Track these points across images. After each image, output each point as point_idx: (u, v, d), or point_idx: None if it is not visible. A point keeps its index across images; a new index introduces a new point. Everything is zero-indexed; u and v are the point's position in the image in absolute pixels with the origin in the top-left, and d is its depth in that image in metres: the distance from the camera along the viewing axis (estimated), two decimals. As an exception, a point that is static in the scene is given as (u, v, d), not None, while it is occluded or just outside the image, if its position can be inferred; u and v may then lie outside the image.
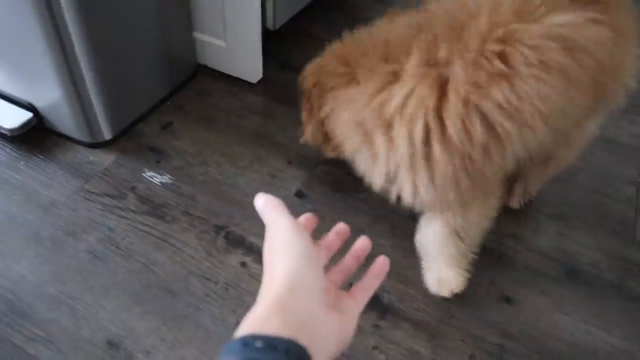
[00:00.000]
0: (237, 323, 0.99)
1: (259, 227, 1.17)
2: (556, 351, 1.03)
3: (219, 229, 1.18)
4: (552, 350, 1.03)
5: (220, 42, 1.50)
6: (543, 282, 1.13)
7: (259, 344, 0.36)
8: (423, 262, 1.09)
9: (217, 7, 1.41)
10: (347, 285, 0.51)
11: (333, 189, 1.28)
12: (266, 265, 0.45)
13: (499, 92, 0.74)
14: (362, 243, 0.53)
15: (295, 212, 1.23)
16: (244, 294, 1.07)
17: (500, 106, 0.75)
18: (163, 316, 1.04)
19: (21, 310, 1.03)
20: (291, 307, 0.40)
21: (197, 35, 1.52)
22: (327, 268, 0.51)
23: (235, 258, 1.13)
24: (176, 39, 1.45)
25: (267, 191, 1.28)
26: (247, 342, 0.36)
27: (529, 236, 1.21)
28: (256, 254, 1.14)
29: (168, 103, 1.48)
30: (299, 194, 1.26)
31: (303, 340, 0.38)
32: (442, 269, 1.05)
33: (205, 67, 1.58)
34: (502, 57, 0.75)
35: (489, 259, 1.16)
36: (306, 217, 0.54)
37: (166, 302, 1.06)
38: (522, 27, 0.76)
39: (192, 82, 1.55)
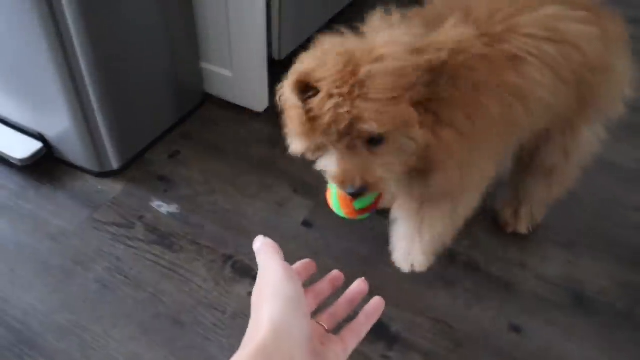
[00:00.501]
0: (246, 354, 0.99)
1: (267, 256, 1.18)
2: (566, 381, 1.02)
3: (226, 258, 1.19)
4: (561, 380, 1.02)
5: (227, 72, 1.53)
6: (552, 310, 1.13)
7: None
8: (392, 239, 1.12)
9: (224, 38, 1.44)
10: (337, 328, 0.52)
11: (339, 217, 1.28)
12: (253, 308, 0.45)
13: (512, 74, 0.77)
14: (359, 287, 0.54)
15: (302, 242, 1.25)
16: (252, 324, 1.07)
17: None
18: (171, 347, 1.04)
19: (30, 341, 1.04)
20: (274, 354, 0.40)
21: (204, 65, 1.54)
22: (320, 310, 0.52)
23: (242, 287, 1.14)
24: (184, 68, 1.48)
25: (274, 220, 1.31)
26: None
27: (537, 264, 1.21)
28: (264, 283, 1.14)
29: (175, 132, 1.50)
30: (306, 223, 1.27)
31: None
32: (408, 249, 1.08)
33: (212, 96, 1.60)
34: (504, 41, 0.77)
35: (496, 287, 1.16)
36: (304, 263, 0.55)
37: (174, 333, 1.06)
38: (517, 14, 0.78)
39: (199, 111, 1.57)
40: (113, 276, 1.15)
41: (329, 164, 0.81)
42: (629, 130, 1.58)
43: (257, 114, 1.56)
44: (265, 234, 1.23)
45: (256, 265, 1.14)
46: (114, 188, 1.34)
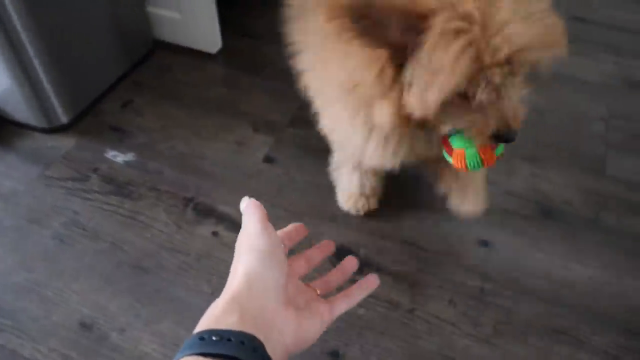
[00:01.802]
0: (212, 292, 0.98)
1: (229, 195, 1.16)
2: (537, 288, 1.03)
3: (187, 201, 1.15)
4: (532, 288, 1.02)
5: (175, 14, 1.46)
6: (519, 223, 1.13)
7: (215, 337, 0.38)
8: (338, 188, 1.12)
9: (167, -23, 1.36)
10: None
11: (301, 150, 1.25)
12: (233, 261, 0.47)
13: None
14: (351, 262, 0.57)
15: (265, 178, 1.22)
16: (218, 263, 1.05)
17: None
18: (136, 293, 1.01)
19: (-12, 302, 1.00)
20: (247, 303, 0.42)
21: (150, 9, 1.47)
22: (314, 279, 0.55)
23: (206, 228, 1.11)
24: (128, 14, 1.40)
25: (235, 159, 1.28)
26: (204, 336, 0.38)
27: (503, 180, 1.20)
28: (228, 221, 1.11)
29: (127, 81, 1.43)
30: (267, 159, 1.23)
31: (259, 333, 0.40)
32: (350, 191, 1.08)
33: (163, 41, 1.53)
34: None
35: (463, 205, 1.15)
36: (295, 226, 0.57)
37: (138, 279, 1.03)
38: None
39: (150, 58, 1.50)
40: (71, 230, 1.11)
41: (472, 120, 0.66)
42: (591, 45, 1.57)
43: (211, 56, 1.50)
44: (226, 173, 1.21)
45: (218, 204, 1.13)
46: (65, 143, 1.29)
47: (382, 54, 0.61)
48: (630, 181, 1.22)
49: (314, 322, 0.47)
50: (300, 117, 1.32)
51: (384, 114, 0.67)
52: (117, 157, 1.25)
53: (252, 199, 0.51)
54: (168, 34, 1.51)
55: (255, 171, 1.21)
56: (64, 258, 1.07)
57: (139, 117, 1.34)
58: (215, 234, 1.10)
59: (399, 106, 0.64)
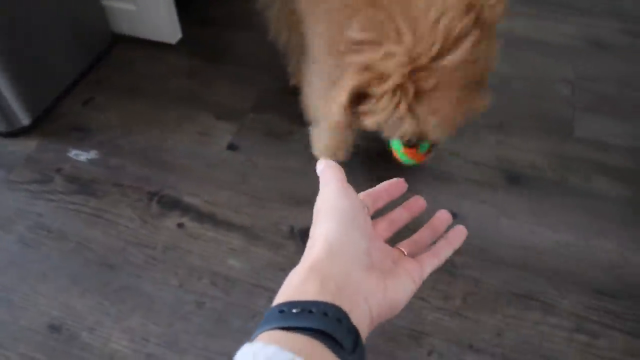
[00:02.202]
0: (180, 284, 0.98)
1: (194, 186, 1.15)
2: (505, 256, 1.03)
3: (152, 195, 1.14)
4: (500, 256, 1.02)
5: (130, 6, 1.43)
6: (485, 192, 1.12)
7: (295, 309, 0.35)
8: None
9: (119, -32, 1.34)
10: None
11: (265, 135, 1.24)
12: (312, 226, 0.43)
13: None
14: (443, 216, 0.52)
15: (229, 166, 1.22)
16: (185, 254, 1.04)
17: None
18: (104, 291, 1.01)
19: (-45, 311, 0.99)
20: (329, 270, 0.39)
21: (105, 2, 1.44)
22: (402, 239, 0.50)
23: (171, 220, 1.10)
24: (84, 9, 1.37)
25: (198, 149, 1.26)
26: (283, 309, 0.35)
27: (468, 150, 1.19)
28: (193, 212, 1.11)
29: (88, 79, 1.41)
30: (231, 147, 1.22)
31: (342, 302, 0.37)
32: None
33: (122, 35, 1.51)
34: None
35: (431, 179, 1.14)
36: (390, 183, 0.53)
37: (106, 277, 1.03)
38: None
39: (110, 53, 1.48)
40: (36, 233, 1.10)
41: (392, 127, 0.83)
42: (554, 7, 1.55)
43: (171, 46, 1.48)
44: (190, 164, 1.20)
45: (183, 196, 1.11)
46: (27, 145, 1.27)
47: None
48: (598, 141, 1.21)
49: (404, 284, 0.43)
50: (262, 102, 1.31)
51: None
52: (80, 155, 1.23)
53: (329, 160, 0.47)
54: (126, 27, 1.48)
55: (219, 160, 1.20)
56: (30, 261, 1.06)
57: (101, 114, 1.32)
58: (180, 225, 1.09)
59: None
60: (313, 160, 1.16)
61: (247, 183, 1.15)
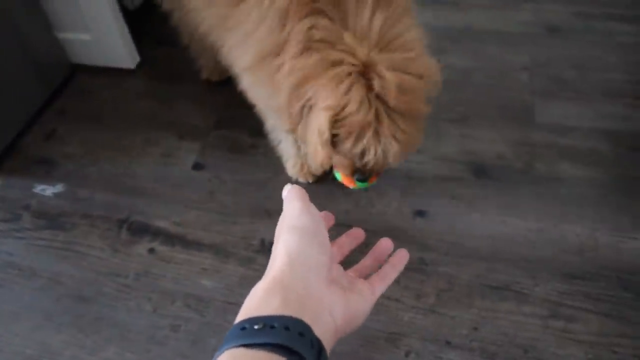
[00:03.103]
0: (154, 310, 0.97)
1: (162, 209, 1.15)
2: (476, 249, 1.03)
3: (121, 222, 1.14)
4: (472, 250, 1.03)
5: (85, 36, 1.42)
6: (453, 187, 1.13)
7: (257, 326, 0.35)
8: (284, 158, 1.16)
9: (70, 2, 1.32)
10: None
11: (229, 151, 1.24)
12: (273, 246, 0.44)
13: None
14: (385, 245, 0.54)
15: (196, 185, 1.22)
16: (157, 279, 1.04)
17: None
18: (78, 324, 1.00)
19: None
20: (291, 283, 0.39)
21: (60, 35, 1.43)
22: (347, 267, 0.51)
23: (142, 246, 1.09)
24: (38, 42, 1.36)
25: (163, 171, 1.25)
26: (245, 326, 0.35)
27: (432, 146, 1.20)
28: (163, 235, 1.10)
29: (49, 111, 1.40)
30: (196, 166, 1.22)
31: (305, 315, 0.37)
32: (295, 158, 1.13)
33: (81, 65, 1.50)
34: None
35: (396, 178, 1.14)
36: (324, 213, 0.54)
37: (79, 310, 1.02)
38: None
39: (70, 84, 1.47)
40: (6, 272, 1.09)
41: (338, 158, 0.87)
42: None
43: (131, 71, 1.47)
44: (157, 187, 1.20)
45: (152, 220, 1.11)
46: (-8, 184, 1.25)
47: None
48: (559, 126, 1.22)
49: (363, 298, 0.44)
50: (224, 119, 1.31)
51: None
52: (46, 190, 1.22)
53: (295, 185, 0.48)
54: (84, 56, 1.48)
55: (185, 180, 1.19)
56: (2, 302, 1.04)
57: (64, 146, 1.31)
58: (151, 250, 1.08)
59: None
60: (279, 170, 1.16)
61: (214, 200, 1.14)
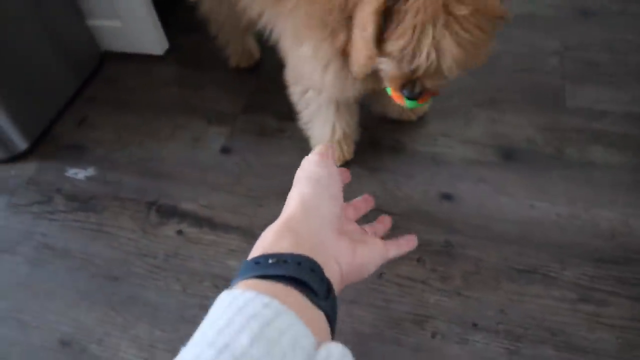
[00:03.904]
0: (183, 290, 0.99)
1: (190, 192, 1.16)
2: (504, 233, 1.02)
3: (150, 205, 1.16)
4: (499, 233, 1.02)
5: (116, 23, 1.45)
6: (481, 170, 1.12)
7: (271, 260, 0.37)
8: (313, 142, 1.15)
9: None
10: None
11: (257, 135, 1.25)
12: (290, 193, 0.46)
13: None
14: (386, 219, 0.58)
15: (223, 168, 1.23)
16: (186, 260, 1.05)
17: None
18: (110, 303, 1.02)
19: (-32, 335, 1.01)
20: (302, 227, 0.41)
21: (90, 22, 1.46)
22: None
23: (170, 228, 1.11)
24: (70, 31, 1.39)
25: (191, 155, 1.27)
26: (259, 261, 0.37)
27: (460, 130, 1.19)
28: (190, 218, 1.12)
29: (81, 98, 1.43)
30: (224, 150, 1.23)
31: (315, 257, 0.38)
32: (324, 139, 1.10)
33: (111, 52, 1.53)
34: None
35: (424, 161, 1.14)
36: (342, 169, 0.55)
37: (111, 289, 1.04)
38: None
39: (101, 71, 1.50)
40: (41, 253, 1.12)
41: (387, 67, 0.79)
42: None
43: (160, 57, 1.49)
44: (185, 170, 1.22)
45: (180, 203, 1.13)
46: (27, 169, 1.29)
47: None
48: (590, 110, 1.20)
49: (371, 251, 0.46)
50: (252, 103, 1.32)
51: (340, 39, 0.80)
52: (78, 174, 1.25)
53: (324, 145, 0.51)
54: (114, 44, 1.50)
55: (213, 164, 1.21)
56: (38, 281, 1.08)
57: (96, 131, 1.34)
58: (179, 232, 1.10)
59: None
60: (305, 153, 1.16)
61: (241, 184, 1.15)
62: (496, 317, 0.91)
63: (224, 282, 1.01)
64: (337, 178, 0.47)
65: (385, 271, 0.98)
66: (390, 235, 0.55)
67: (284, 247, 0.38)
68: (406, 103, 0.83)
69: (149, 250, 1.08)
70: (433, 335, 0.90)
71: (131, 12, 1.39)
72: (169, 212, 1.14)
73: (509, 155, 1.14)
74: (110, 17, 1.44)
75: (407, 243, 0.54)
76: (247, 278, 0.36)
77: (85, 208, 1.18)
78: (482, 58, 0.76)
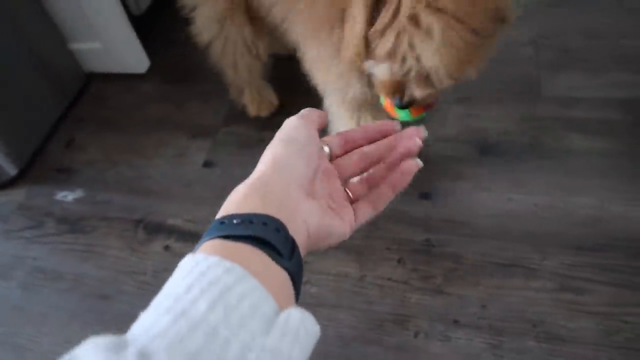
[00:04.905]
0: (172, 304, 1.00)
1: (176, 207, 1.18)
2: (484, 228, 1.03)
3: (137, 222, 1.18)
4: (479, 228, 1.03)
5: (97, 45, 1.47)
6: (458, 167, 1.13)
7: (236, 220, 0.36)
8: None
9: (78, 12, 1.37)
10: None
11: (238, 147, 1.27)
12: (264, 153, 0.44)
13: None
14: (410, 165, 0.49)
15: (207, 182, 1.24)
16: (173, 275, 1.07)
17: None
18: (102, 321, 1.04)
19: (-33, 362, 1.04)
20: (271, 185, 0.40)
21: (73, 46, 1.48)
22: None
23: (157, 244, 1.13)
24: (53, 56, 1.42)
25: (176, 170, 1.28)
26: (224, 221, 0.36)
27: (436, 127, 1.20)
28: (177, 233, 1.14)
29: (68, 120, 1.46)
30: (207, 164, 1.25)
31: (281, 217, 0.38)
32: None
33: (95, 73, 1.55)
34: None
35: (401, 162, 1.15)
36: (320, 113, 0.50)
37: (102, 308, 1.06)
38: None
39: (85, 92, 1.52)
40: (34, 277, 1.14)
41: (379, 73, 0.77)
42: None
43: (142, 75, 1.51)
44: (170, 186, 1.23)
45: (166, 219, 1.14)
46: (17, 194, 1.32)
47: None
48: (566, 98, 1.20)
49: (338, 223, 0.44)
50: (232, 116, 1.34)
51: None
52: (67, 196, 1.27)
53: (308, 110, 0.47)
54: (97, 65, 1.53)
55: (197, 178, 1.23)
56: (31, 304, 1.10)
57: (83, 153, 1.36)
58: (167, 247, 1.12)
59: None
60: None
61: (225, 196, 1.16)
62: (478, 312, 0.92)
63: (210, 295, 1.03)
64: (315, 141, 0.45)
65: (367, 273, 1.00)
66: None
67: (251, 207, 0.38)
68: (399, 115, 0.82)
69: (137, 267, 1.10)
70: (415, 335, 0.91)
71: (111, 34, 1.42)
72: (156, 229, 1.16)
73: (485, 149, 1.14)
74: (91, 40, 1.46)
75: (394, 184, 0.48)
76: (212, 238, 0.36)
77: (75, 230, 1.20)
78: (476, 64, 0.72)
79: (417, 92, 0.76)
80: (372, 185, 0.49)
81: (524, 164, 1.11)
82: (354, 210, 0.46)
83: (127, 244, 1.15)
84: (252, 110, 1.30)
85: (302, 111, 0.47)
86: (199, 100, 1.40)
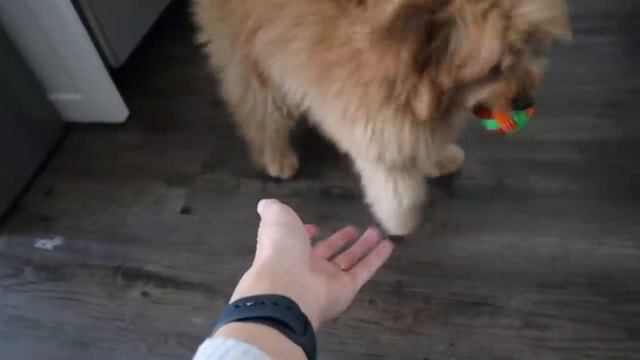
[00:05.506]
0: (150, 350, 1.03)
1: (154, 254, 1.21)
2: (452, 268, 1.07)
3: (116, 269, 1.20)
4: (447, 269, 1.07)
5: (76, 96, 1.51)
6: (426, 210, 1.17)
7: (249, 303, 0.40)
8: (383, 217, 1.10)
9: (57, 64, 1.42)
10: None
11: (215, 194, 1.31)
12: (259, 241, 0.48)
13: None
14: (372, 234, 0.58)
15: (185, 229, 1.26)
16: (152, 320, 1.09)
17: None
18: (80, 370, 1.05)
19: (-58, 415, 1.04)
20: (277, 269, 0.44)
21: (52, 96, 1.52)
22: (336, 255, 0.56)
23: (136, 290, 1.15)
24: (32, 106, 1.46)
25: (154, 217, 1.31)
26: (239, 305, 0.40)
27: (406, 172, 1.25)
28: (155, 279, 1.16)
29: (47, 169, 1.49)
30: (184, 211, 1.28)
31: (291, 295, 0.41)
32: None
33: (74, 123, 1.59)
34: None
35: (368, 207, 1.19)
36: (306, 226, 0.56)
37: (81, 355, 1.07)
38: None
39: (65, 142, 1.56)
40: (12, 325, 1.15)
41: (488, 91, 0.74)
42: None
43: (121, 125, 1.55)
44: (149, 233, 1.26)
45: (145, 265, 1.16)
46: (-4, 244, 1.33)
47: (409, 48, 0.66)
48: (531, 140, 1.26)
49: (342, 289, 0.49)
50: (210, 163, 1.38)
51: (424, 100, 0.72)
52: (46, 244, 1.29)
53: (265, 200, 0.52)
54: (76, 115, 1.56)
55: (175, 224, 1.26)
56: (9, 353, 1.11)
57: (62, 201, 1.39)
58: (145, 293, 1.14)
59: (435, 90, 0.70)
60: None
61: (202, 242, 1.20)
62: (447, 351, 0.96)
63: (188, 340, 1.05)
64: (300, 222, 0.50)
65: (339, 316, 1.02)
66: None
67: (261, 289, 0.41)
68: (516, 122, 0.78)
69: (116, 313, 1.12)
70: (388, 374, 0.94)
71: (90, 84, 1.46)
72: (134, 275, 1.18)
73: (452, 192, 1.20)
74: (70, 91, 1.50)
75: (379, 253, 0.55)
76: (228, 322, 0.39)
77: (54, 277, 1.22)
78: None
79: (535, 66, 0.74)
80: (353, 257, 0.55)
81: (490, 205, 1.16)
82: (352, 275, 0.52)
83: (106, 290, 1.17)
84: (273, 170, 1.27)
85: (265, 201, 0.52)
86: (177, 148, 1.44)
